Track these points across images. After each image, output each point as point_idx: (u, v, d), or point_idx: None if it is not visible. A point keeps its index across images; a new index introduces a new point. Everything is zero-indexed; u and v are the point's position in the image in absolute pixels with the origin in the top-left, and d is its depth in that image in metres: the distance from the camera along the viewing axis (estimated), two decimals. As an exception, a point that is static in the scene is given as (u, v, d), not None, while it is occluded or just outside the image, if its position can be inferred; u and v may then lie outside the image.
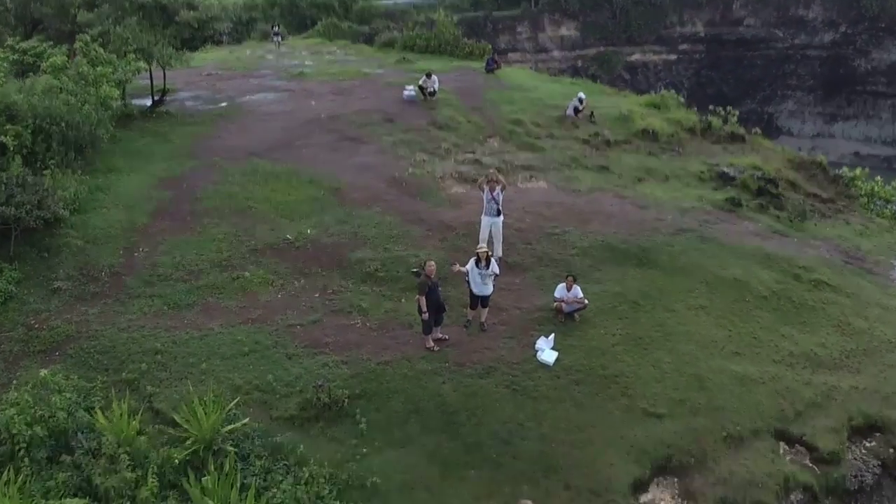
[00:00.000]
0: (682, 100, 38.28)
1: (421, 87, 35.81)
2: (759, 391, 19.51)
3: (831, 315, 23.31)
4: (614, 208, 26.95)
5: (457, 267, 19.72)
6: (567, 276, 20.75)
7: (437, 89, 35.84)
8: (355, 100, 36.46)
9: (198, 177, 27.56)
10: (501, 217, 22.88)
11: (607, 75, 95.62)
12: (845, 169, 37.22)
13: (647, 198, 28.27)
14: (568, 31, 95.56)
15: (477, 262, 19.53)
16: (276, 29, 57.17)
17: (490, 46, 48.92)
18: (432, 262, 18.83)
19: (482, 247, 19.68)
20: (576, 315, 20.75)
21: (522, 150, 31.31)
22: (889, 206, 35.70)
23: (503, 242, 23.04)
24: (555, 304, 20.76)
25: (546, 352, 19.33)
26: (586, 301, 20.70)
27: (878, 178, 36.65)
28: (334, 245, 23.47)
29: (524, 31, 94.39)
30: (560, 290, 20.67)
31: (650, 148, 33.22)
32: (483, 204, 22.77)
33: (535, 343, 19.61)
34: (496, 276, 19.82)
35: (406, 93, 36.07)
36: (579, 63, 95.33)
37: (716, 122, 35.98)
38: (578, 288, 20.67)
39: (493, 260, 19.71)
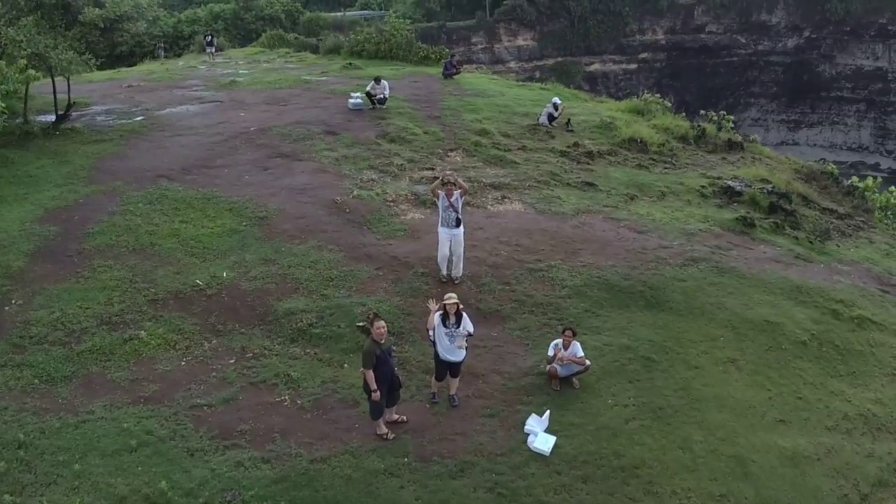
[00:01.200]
0: (668, 104, 33.54)
1: (369, 95, 30.73)
2: (815, 472, 15.03)
3: (882, 361, 19.06)
4: (608, 234, 21.99)
5: (433, 303, 14.73)
6: (564, 331, 15.72)
7: (387, 96, 30.80)
8: (292, 110, 31.24)
9: (93, 206, 22.18)
10: (462, 228, 18.47)
11: (566, 86, 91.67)
12: (854, 179, 32.77)
13: (644, 220, 23.37)
14: (525, 41, 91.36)
15: (444, 319, 14.45)
16: (209, 38, 51.74)
17: (448, 50, 43.82)
18: (381, 323, 13.65)
19: (450, 297, 14.53)
20: (574, 380, 15.83)
21: (490, 166, 26.31)
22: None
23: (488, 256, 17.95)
24: (547, 366, 15.72)
25: (540, 436, 14.35)
26: (588, 361, 15.69)
27: (893, 188, 32.30)
28: (257, 292, 18.27)
29: (480, 41, 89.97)
30: (554, 349, 15.60)
31: (639, 160, 28.39)
32: (439, 213, 18.32)
33: (524, 424, 14.64)
34: (470, 335, 14.74)
35: (351, 101, 30.96)
36: (537, 74, 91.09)
37: (710, 128, 31.33)
38: (578, 345, 15.68)
39: (464, 316, 14.61)
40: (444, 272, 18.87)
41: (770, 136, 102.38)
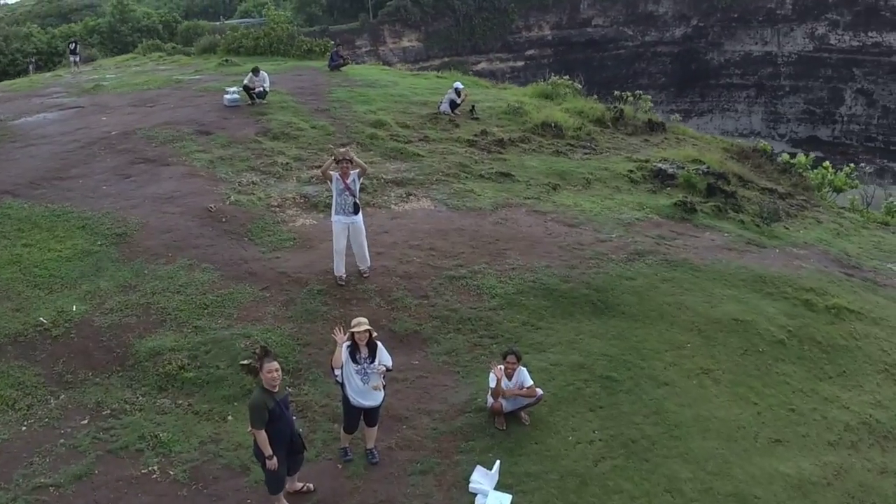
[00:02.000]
0: (579, 87, 30.54)
1: (247, 88, 26.81)
2: (828, 500, 12.24)
3: (871, 356, 16.53)
4: (535, 230, 18.69)
5: (340, 334, 11.04)
6: (506, 356, 12.23)
7: (268, 89, 26.97)
8: (161, 111, 27.10)
9: None
10: (361, 215, 15.38)
11: (464, 72, 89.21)
12: (785, 156, 30.39)
13: (573, 211, 20.19)
14: (410, 42, 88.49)
15: (353, 353, 10.90)
16: (73, 46, 46.83)
17: (333, 41, 40.04)
18: (273, 365, 9.97)
19: (360, 323, 10.94)
20: (523, 414, 12.50)
21: (390, 160, 22.79)
22: (849, 197, 29.14)
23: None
24: (489, 402, 12.28)
25: (491, 496, 11.00)
26: (539, 391, 12.30)
27: (827, 163, 30.04)
28: (114, 329, 14.34)
29: (364, 44, 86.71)
30: (495, 378, 12.13)
31: (556, 146, 25.28)
32: (333, 198, 15.12)
33: (468, 481, 11.23)
34: (389, 370, 11.21)
35: (227, 97, 27.03)
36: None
37: (628, 109, 28.43)
38: (525, 371, 12.28)
39: (380, 346, 11.06)
40: (341, 272, 15.49)
41: (639, 114, 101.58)
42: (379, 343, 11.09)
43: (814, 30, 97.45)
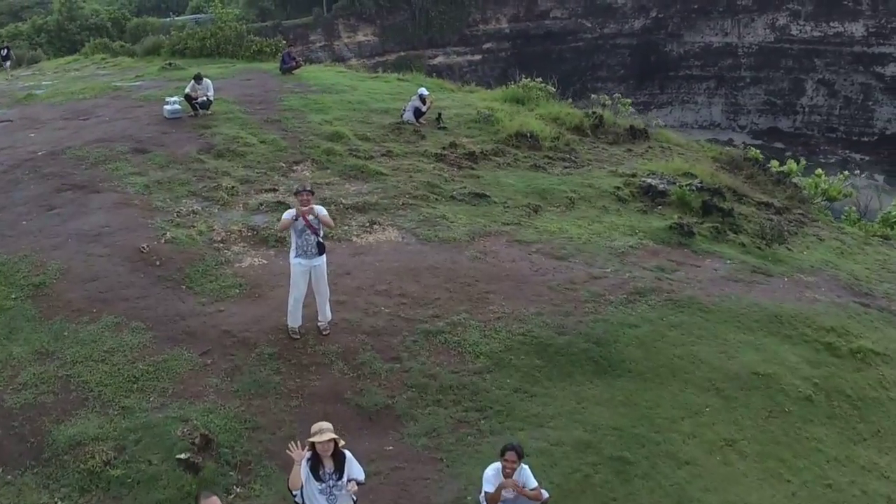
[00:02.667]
0: (552, 90, 28.22)
1: (188, 98, 24.14)
2: None
3: None
4: (520, 266, 16.38)
5: (297, 450, 8.63)
6: (504, 452, 9.84)
7: (212, 98, 24.33)
8: (95, 125, 24.36)
9: None
10: (325, 257, 13.02)
11: (428, 74, 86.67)
12: (774, 162, 28.39)
13: (559, 240, 17.93)
14: (365, 36, 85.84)
15: (313, 468, 8.53)
16: (4, 52, 43.73)
17: (285, 41, 37.20)
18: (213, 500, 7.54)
19: (322, 430, 8.55)
20: (524, 519, 10.10)
21: (350, 180, 20.35)
22: (844, 209, 27.24)
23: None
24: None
25: None
26: (545, 493, 10.00)
27: (820, 171, 28.08)
28: (28, 410, 11.84)
29: (318, 39, 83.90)
30: (493, 479, 9.80)
31: (533, 159, 22.97)
32: (292, 238, 12.89)
33: None
34: (360, 484, 8.84)
35: (168, 108, 24.36)
36: (380, 70, 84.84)
37: (608, 115, 26.17)
38: (528, 470, 9.95)
39: (349, 458, 8.70)
40: (297, 324, 13.14)
41: (619, 120, 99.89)
42: (347, 453, 8.71)
43: (775, 20, 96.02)
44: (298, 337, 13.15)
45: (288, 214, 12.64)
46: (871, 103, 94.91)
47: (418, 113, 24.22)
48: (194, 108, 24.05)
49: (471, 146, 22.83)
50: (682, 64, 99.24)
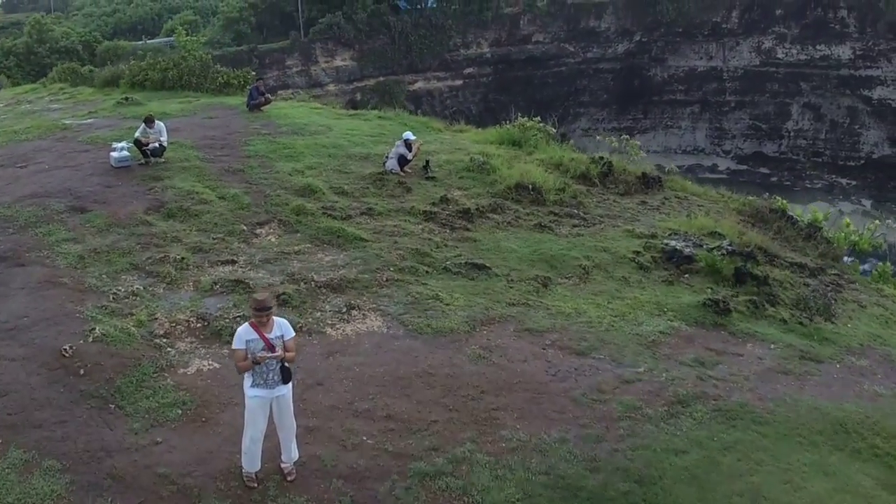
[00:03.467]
0: (552, 130, 25.14)
1: (138, 144, 20.86)
2: None
3: None
4: (534, 367, 13.20)
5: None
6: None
7: (165, 143, 21.06)
8: (32, 174, 21.01)
9: None
10: (290, 387, 9.85)
11: (389, 107, 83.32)
12: (798, 211, 25.39)
13: (577, 325, 14.78)
14: (343, 61, 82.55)
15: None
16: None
17: (253, 73, 33.79)
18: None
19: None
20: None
21: (324, 247, 17.12)
22: (872, 263, 24.25)
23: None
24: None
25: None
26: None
27: (847, 220, 25.11)
28: None
29: (295, 64, 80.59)
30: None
31: (536, 215, 19.86)
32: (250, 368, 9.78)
33: None
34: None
35: (115, 154, 21.07)
36: (358, 96, 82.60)
37: (618, 162, 23.06)
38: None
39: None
40: (255, 468, 10.07)
41: (602, 146, 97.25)
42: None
43: (760, 43, 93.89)
44: (256, 485, 9.92)
45: (239, 342, 9.40)
46: (857, 127, 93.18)
47: (403, 161, 21.08)
48: (145, 156, 20.80)
49: (465, 201, 19.68)
50: (665, 88, 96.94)
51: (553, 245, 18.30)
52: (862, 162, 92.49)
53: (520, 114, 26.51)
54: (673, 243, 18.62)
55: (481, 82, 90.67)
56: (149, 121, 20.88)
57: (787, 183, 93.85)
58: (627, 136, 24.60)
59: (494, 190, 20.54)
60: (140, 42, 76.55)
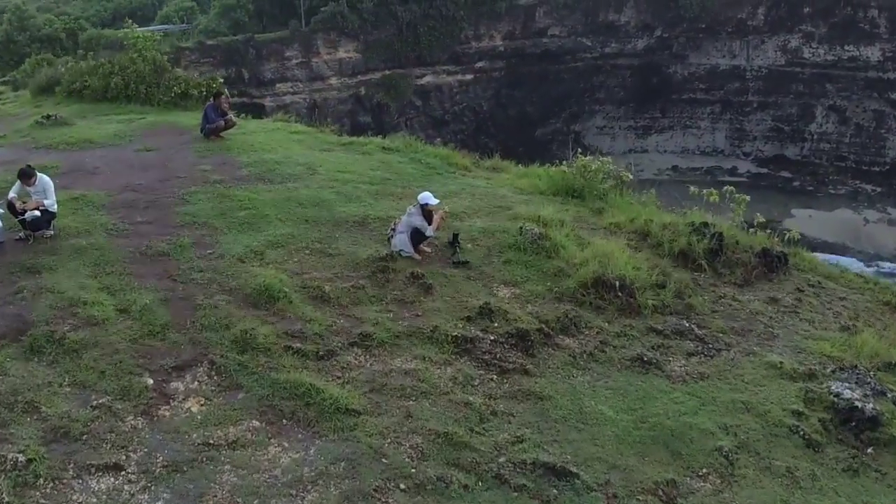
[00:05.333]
0: (629, 176, 17.11)
1: (12, 208, 12.92)
2: None
3: None
4: None
5: None
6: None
7: (52, 208, 13.10)
8: None
9: None
10: None
11: (396, 103, 76.10)
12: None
13: None
14: (347, 52, 74.85)
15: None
16: None
17: (220, 80, 25.36)
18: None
19: None
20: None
21: (283, 431, 9.23)
22: None
23: None
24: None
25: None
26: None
27: None
28: None
29: (294, 55, 72.91)
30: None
31: (631, 338, 11.95)
32: None
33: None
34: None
35: (-23, 224, 13.09)
36: (362, 90, 75.16)
37: (729, 231, 15.11)
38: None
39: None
40: None
41: (617, 145, 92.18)
42: None
43: (786, 42, 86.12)
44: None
45: None
46: (883, 131, 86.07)
47: (419, 237, 13.15)
48: (24, 227, 12.87)
49: (518, 312, 11.78)
50: (685, 87, 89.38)
51: (668, 403, 10.49)
52: (888, 167, 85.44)
53: (579, 150, 18.39)
54: (844, 393, 10.87)
55: (493, 77, 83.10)
56: (25, 176, 12.90)
57: (810, 188, 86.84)
58: (732, 188, 16.39)
59: (561, 287, 12.62)
60: (127, 29, 68.43)
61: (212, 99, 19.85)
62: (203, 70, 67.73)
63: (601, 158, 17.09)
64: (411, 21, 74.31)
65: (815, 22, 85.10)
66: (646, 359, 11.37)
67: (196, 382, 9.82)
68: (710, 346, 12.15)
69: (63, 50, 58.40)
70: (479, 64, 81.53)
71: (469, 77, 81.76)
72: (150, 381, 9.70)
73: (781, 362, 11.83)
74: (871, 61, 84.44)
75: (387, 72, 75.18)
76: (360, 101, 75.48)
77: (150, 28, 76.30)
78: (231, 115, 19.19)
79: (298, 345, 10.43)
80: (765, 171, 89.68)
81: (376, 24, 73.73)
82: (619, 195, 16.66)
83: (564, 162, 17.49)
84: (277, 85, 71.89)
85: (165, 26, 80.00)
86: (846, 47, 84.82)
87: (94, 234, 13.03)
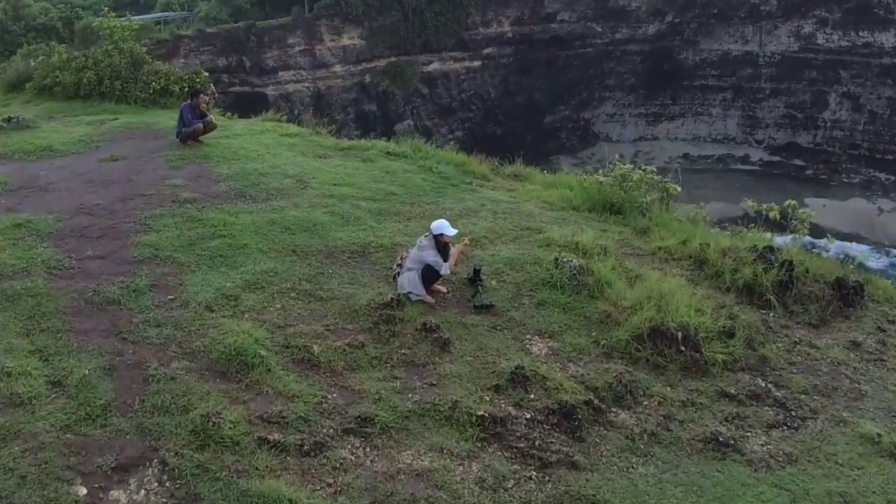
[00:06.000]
0: (676, 189, 14.39)
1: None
2: None
3: None
4: None
5: None
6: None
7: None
8: None
9: None
10: None
11: (401, 91, 73.24)
12: None
13: None
14: (351, 39, 71.92)
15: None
16: None
17: (205, 75, 22.44)
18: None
19: None
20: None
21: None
22: None
23: None
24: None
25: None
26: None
27: None
28: None
29: (297, 42, 70.05)
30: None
31: (700, 408, 9.34)
32: None
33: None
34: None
35: None
36: (367, 78, 72.29)
37: (800, 257, 12.45)
38: None
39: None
40: None
41: (627, 132, 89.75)
42: None
43: (800, 28, 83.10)
44: None
45: None
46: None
47: (432, 275, 10.53)
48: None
49: (559, 377, 9.17)
50: (697, 73, 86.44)
51: (753, 503, 7.95)
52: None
53: (618, 157, 15.68)
54: None
55: (501, 63, 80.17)
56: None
57: (823, 177, 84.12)
58: (795, 202, 13.72)
59: (610, 339, 10.01)
60: (123, 18, 65.48)
61: (188, 98, 17.07)
62: (203, 59, 65.17)
63: (644, 167, 14.38)
64: (417, 6, 71.41)
65: (829, 7, 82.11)
66: (721, 438, 8.78)
67: (143, 491, 7.26)
68: (793, 412, 9.56)
69: (59, 40, 55.76)
70: (487, 50, 78.64)
71: (476, 64, 78.86)
72: (83, 491, 7.16)
73: (879, 434, 9.25)
74: (885, 47, 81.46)
75: (392, 59, 72.35)
76: (365, 90, 72.71)
77: (150, 16, 73.67)
78: (211, 117, 16.49)
79: (277, 435, 7.84)
80: (777, 159, 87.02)
81: (381, 10, 70.86)
82: (665, 210, 14.00)
83: (600, 170, 14.79)
84: (280, 73, 69.09)
85: (165, 14, 77.18)
86: (860, 33, 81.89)
87: (34, 274, 10.43)
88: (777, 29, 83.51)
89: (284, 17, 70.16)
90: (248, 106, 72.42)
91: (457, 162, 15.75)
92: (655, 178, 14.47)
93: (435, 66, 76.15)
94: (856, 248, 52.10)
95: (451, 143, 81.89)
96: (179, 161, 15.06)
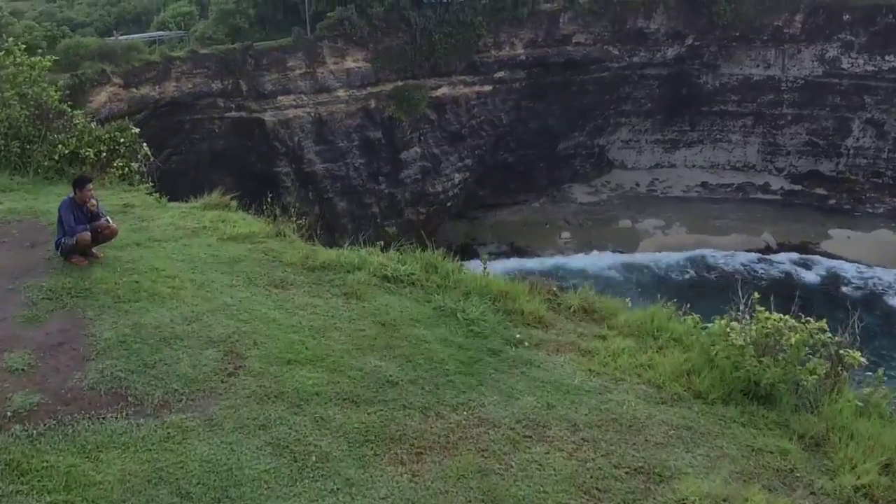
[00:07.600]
0: (860, 357, 8.30)
1: None
2: None
3: None
4: None
5: None
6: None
7: None
8: None
9: None
10: None
11: (409, 117, 67.31)
12: None
13: None
14: (356, 62, 65.73)
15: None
16: None
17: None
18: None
19: None
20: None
21: None
22: None
23: None
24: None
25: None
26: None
27: None
28: None
29: (298, 65, 63.83)
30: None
31: None
32: None
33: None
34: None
35: None
36: (372, 104, 66.16)
37: None
38: None
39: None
40: None
41: (643, 159, 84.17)
42: None
43: (824, 52, 77.14)
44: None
45: None
46: (924, 147, 77.17)
47: None
48: None
49: None
50: (716, 98, 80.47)
51: None
52: (928, 186, 76.84)
53: (754, 301, 9.51)
54: None
55: (514, 88, 73.79)
56: None
57: (847, 207, 78.52)
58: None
59: None
60: (111, 38, 59.36)
61: (72, 190, 10.49)
62: (196, 82, 59.35)
63: (804, 319, 8.27)
64: (426, 28, 65.34)
65: (855, 30, 76.09)
66: None
67: None
68: None
69: (41, 56, 49.97)
70: (499, 74, 72.51)
71: (488, 88, 72.71)
72: None
73: None
74: (912, 73, 75.90)
75: (399, 83, 66.25)
76: (370, 115, 66.63)
77: (145, 35, 67.81)
78: (107, 218, 10.07)
79: None
80: (798, 187, 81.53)
81: (387, 31, 64.81)
82: (837, 395, 7.82)
83: (724, 316, 8.65)
84: (279, 98, 62.98)
85: (160, 33, 71.34)
86: (887, 57, 75.95)
87: None
88: (800, 52, 77.53)
89: (284, 37, 64.28)
90: (244, 133, 66.92)
91: (494, 293, 9.50)
92: (824, 337, 8.31)
93: (444, 90, 70.10)
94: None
95: (460, 171, 76.68)
96: (44, 302, 8.80)
